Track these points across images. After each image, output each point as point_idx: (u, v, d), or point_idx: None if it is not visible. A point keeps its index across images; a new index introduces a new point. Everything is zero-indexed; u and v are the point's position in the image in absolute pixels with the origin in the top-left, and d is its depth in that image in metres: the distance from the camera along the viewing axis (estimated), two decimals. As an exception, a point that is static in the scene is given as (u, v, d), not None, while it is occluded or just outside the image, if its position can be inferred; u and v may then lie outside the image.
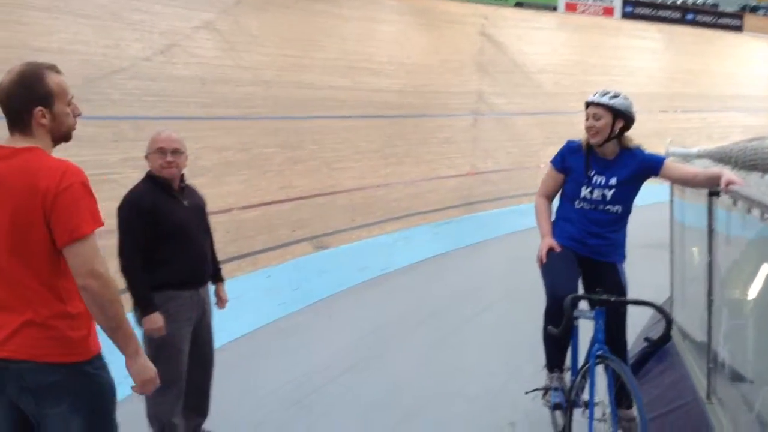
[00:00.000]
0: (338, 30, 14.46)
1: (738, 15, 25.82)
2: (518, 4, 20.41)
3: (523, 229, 6.95)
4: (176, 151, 3.49)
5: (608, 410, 3.03)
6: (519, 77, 16.94)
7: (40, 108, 2.18)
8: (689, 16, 23.94)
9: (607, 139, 3.34)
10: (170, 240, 3.44)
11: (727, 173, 3.00)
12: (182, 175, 3.59)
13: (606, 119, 3.31)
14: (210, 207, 8.23)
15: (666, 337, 2.76)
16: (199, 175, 8.57)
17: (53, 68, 2.25)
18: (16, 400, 2.21)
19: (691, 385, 3.54)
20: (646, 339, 2.81)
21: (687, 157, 4.94)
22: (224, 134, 9.69)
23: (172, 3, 11.33)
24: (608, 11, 22.32)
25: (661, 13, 23.32)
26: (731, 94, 21.76)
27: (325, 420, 4.16)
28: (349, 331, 5.90)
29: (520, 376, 3.66)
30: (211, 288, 3.82)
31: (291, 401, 4.40)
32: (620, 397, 3.10)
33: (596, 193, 3.34)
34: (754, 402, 2.74)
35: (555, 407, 3.29)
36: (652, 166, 3.31)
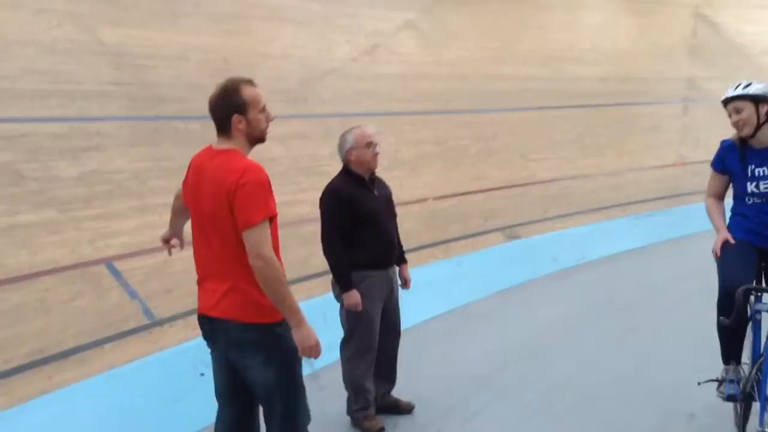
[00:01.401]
0: (539, 20, 14.32)
1: None
2: (740, -20, 18.68)
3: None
4: (376, 145, 3.97)
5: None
6: (738, 60, 15.55)
7: (237, 115, 2.68)
8: None
9: (757, 128, 3.28)
10: (364, 226, 3.90)
11: None
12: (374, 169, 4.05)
13: (749, 109, 3.29)
14: (407, 197, 8.83)
15: None
16: (397, 168, 9.13)
17: (249, 82, 2.75)
18: (225, 351, 2.75)
19: None
20: None
21: None
22: (421, 128, 10.16)
23: (376, 5, 12.02)
24: None
25: None
26: None
27: (506, 396, 4.40)
28: (536, 317, 6.06)
29: (707, 370, 3.60)
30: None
31: (475, 378, 4.69)
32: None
33: (762, 186, 3.28)
34: None
35: (729, 398, 3.26)
36: None
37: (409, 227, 7.71)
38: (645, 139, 12.47)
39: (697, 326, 4.92)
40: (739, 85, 3.37)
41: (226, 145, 2.70)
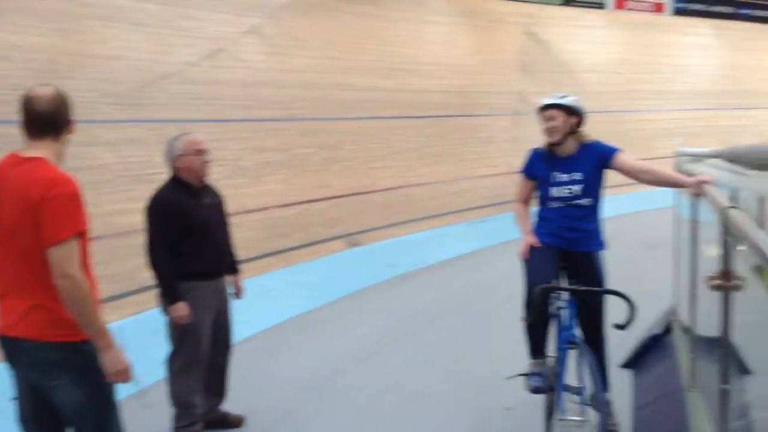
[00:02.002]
0: (383, 32, 14.72)
1: (797, 8, 24.99)
2: (565, 2, 20.29)
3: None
4: (205, 152, 3.85)
5: (588, 393, 3.24)
6: (563, 76, 16.88)
7: (70, 126, 2.58)
8: (744, 11, 23.30)
9: (565, 137, 3.58)
10: (194, 236, 3.78)
11: (698, 178, 3.18)
12: (203, 176, 3.93)
13: (561, 117, 3.59)
14: (249, 206, 8.70)
15: (628, 323, 2.95)
16: (239, 176, 9.00)
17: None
18: (28, 372, 2.58)
19: (677, 376, 3.70)
20: (615, 325, 3.01)
21: (698, 157, 5.03)
22: (265, 135, 10.09)
23: (220, 9, 11.79)
24: (658, 7, 21.93)
25: (714, 8, 22.78)
26: (787, 90, 21.12)
27: (337, 402, 4.46)
28: (373, 323, 6.20)
29: (527, 365, 3.87)
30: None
31: (309, 385, 4.72)
32: (603, 382, 3.31)
33: (564, 191, 3.57)
34: (731, 390, 2.90)
35: (534, 391, 3.52)
36: (605, 157, 3.55)
37: (250, 236, 7.62)
38: (480, 149, 13.16)
39: (518, 324, 5.29)
40: (556, 94, 3.68)
41: (36, 152, 2.52)
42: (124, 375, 2.55)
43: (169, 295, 3.76)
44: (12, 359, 2.62)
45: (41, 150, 2.53)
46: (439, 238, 9.47)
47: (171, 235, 3.74)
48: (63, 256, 2.40)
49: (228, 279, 4.10)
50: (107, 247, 6.34)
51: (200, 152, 3.83)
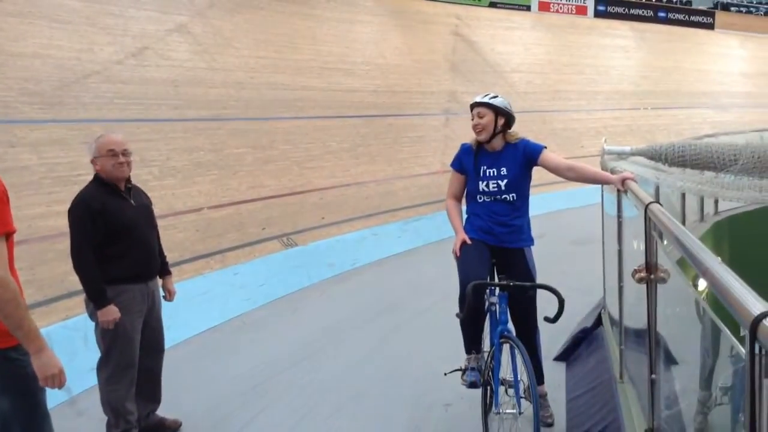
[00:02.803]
0: (312, 31, 14.67)
1: (710, 12, 26.30)
2: (492, 4, 20.71)
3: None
4: (126, 152, 3.74)
5: (523, 387, 3.34)
6: (492, 76, 17.24)
7: None
8: (661, 14, 24.36)
9: (493, 135, 3.69)
10: (120, 237, 3.69)
11: (622, 175, 3.32)
12: (128, 177, 3.84)
13: (489, 117, 3.69)
14: (180, 206, 8.51)
15: (557, 316, 3.04)
16: (169, 176, 8.79)
17: None
18: None
19: (608, 367, 3.84)
20: (546, 318, 3.11)
21: (622, 155, 5.24)
22: (195, 135, 9.88)
23: (145, 7, 11.49)
24: (581, 10, 22.68)
25: (634, 11, 23.71)
26: (702, 90, 22.20)
27: (278, 402, 4.44)
28: (311, 323, 6.18)
29: (462, 361, 3.93)
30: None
31: (247, 387, 4.67)
32: (537, 374, 3.41)
33: (492, 185, 3.68)
34: (658, 380, 3.03)
35: (470, 386, 3.59)
36: (531, 154, 3.66)
37: (182, 237, 7.46)
38: (412, 148, 13.28)
39: (455, 321, 5.39)
40: (487, 94, 3.77)
41: None
42: (58, 379, 2.45)
43: (95, 299, 3.64)
44: None
45: None
46: (374, 238, 9.51)
47: (95, 237, 3.63)
48: None
49: (159, 281, 4.03)
50: (31, 252, 6.10)
51: (115, 154, 3.71)
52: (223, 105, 10.93)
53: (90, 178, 3.85)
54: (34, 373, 2.45)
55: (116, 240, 3.68)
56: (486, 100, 3.71)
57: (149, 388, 3.98)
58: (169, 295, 4.09)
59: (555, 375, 4.42)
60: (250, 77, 12.00)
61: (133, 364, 3.78)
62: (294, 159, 10.92)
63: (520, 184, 3.70)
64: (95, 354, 3.84)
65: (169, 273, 4.11)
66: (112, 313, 3.63)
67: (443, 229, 9.64)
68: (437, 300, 6.58)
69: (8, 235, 2.40)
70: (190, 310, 5.94)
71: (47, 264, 5.98)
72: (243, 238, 8.41)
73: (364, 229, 9.83)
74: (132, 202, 3.82)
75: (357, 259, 8.54)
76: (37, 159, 7.57)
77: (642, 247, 2.84)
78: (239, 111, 11.07)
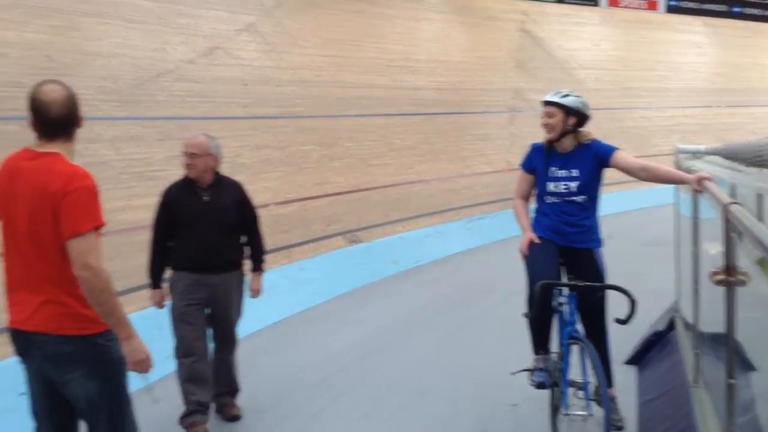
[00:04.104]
0: (377, 29, 14.72)
1: (789, 6, 25.12)
2: (559, 0, 20.34)
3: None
4: (192, 155, 3.97)
5: (592, 388, 3.28)
6: (559, 73, 16.93)
7: (77, 126, 2.60)
8: (736, 9, 23.41)
9: (562, 135, 3.61)
10: (181, 229, 3.98)
11: (698, 174, 3.22)
12: (216, 173, 4.05)
13: (558, 116, 3.61)
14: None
15: (629, 317, 2.98)
16: (238, 173, 8.96)
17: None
18: (39, 367, 2.60)
19: (681, 371, 3.74)
20: (617, 320, 3.05)
21: (696, 154, 5.09)
22: (263, 133, 10.08)
23: (215, 7, 11.77)
24: (652, 5, 22.01)
25: (707, 6, 22.87)
26: (781, 87, 21.25)
27: (344, 396, 4.50)
28: (375, 319, 6.24)
29: (529, 361, 3.90)
30: None
31: (313, 381, 4.75)
32: (606, 377, 3.35)
33: (562, 187, 3.61)
34: (736, 385, 2.94)
35: (538, 386, 3.56)
36: (603, 156, 3.57)
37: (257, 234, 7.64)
38: (476, 146, 13.19)
39: (521, 321, 5.35)
40: (559, 92, 3.67)
41: (50, 147, 2.54)
42: (146, 364, 2.59)
43: (150, 281, 4.03)
44: (25, 354, 2.64)
45: (53, 146, 2.55)
46: (438, 235, 9.51)
47: (161, 225, 4.00)
48: (83, 248, 2.43)
49: (235, 277, 4.16)
50: (110, 244, 6.33)
51: (184, 154, 3.99)
52: (290, 103, 11.10)
53: (165, 173, 4.15)
54: (120, 358, 2.57)
55: (178, 231, 3.98)
56: (555, 99, 3.63)
57: (223, 375, 4.16)
58: (252, 293, 4.25)
59: (625, 378, 4.33)
60: (316, 75, 12.14)
61: (189, 348, 3.96)
62: (359, 156, 11.01)
63: (591, 186, 3.63)
64: (170, 343, 4.02)
65: (258, 270, 4.25)
66: (156, 296, 4.01)
67: (508, 228, 9.56)
68: (502, 299, 6.54)
69: (98, 228, 2.51)
70: (257, 303, 6.02)
71: (124, 256, 6.20)
72: (308, 234, 8.55)
73: (427, 227, 9.84)
74: (205, 197, 4.00)
75: (421, 257, 8.55)
76: (115, 154, 7.87)
77: (719, 249, 2.76)
78: (305, 109, 11.23)
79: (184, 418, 3.93)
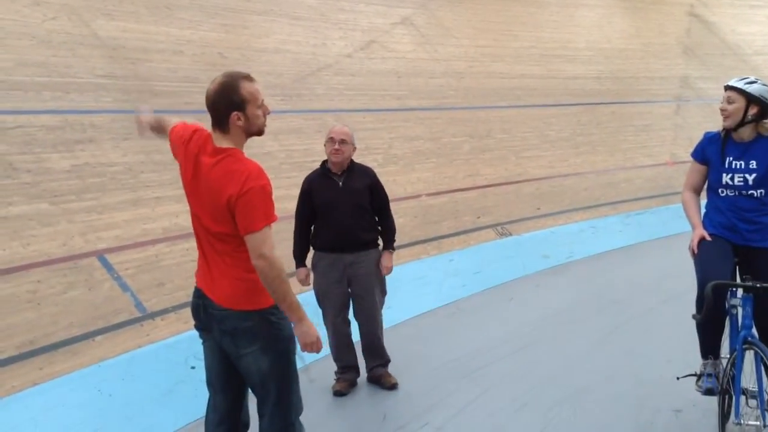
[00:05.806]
0: (533, 17, 14.35)
1: None
2: (735, -20, 18.74)
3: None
4: (343, 142, 4.30)
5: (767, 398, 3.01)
6: (732, 60, 15.62)
7: (236, 113, 2.68)
8: None
9: (740, 124, 3.34)
10: (320, 213, 4.36)
11: None
12: (351, 161, 4.39)
13: (739, 104, 3.33)
14: (401, 193, 8.93)
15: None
16: (391, 163, 9.16)
17: (248, 77, 2.75)
18: (219, 339, 2.77)
19: None
20: None
21: None
22: (416, 124, 10.18)
23: (373, 1, 12.03)
24: None
25: None
26: None
27: (496, 389, 4.46)
28: (526, 314, 6.11)
29: (693, 366, 3.65)
30: None
31: (464, 372, 4.75)
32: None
33: (737, 179, 3.34)
34: None
35: (706, 392, 3.33)
36: None
37: (402, 223, 7.71)
38: (638, 137, 12.52)
39: (685, 323, 4.99)
40: (744, 78, 3.41)
41: (224, 142, 2.69)
42: (316, 345, 2.75)
43: (295, 261, 4.48)
44: (205, 328, 2.84)
45: (226, 140, 2.70)
46: (592, 230, 9.14)
47: (303, 211, 4.44)
48: (258, 242, 2.59)
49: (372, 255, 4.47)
50: (273, 231, 6.70)
51: (332, 141, 4.31)
52: (442, 94, 11.12)
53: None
54: (291, 336, 2.73)
55: (318, 215, 4.36)
56: (738, 84, 3.36)
57: (370, 346, 4.50)
58: (383, 269, 4.49)
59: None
60: (469, 66, 12.07)
61: (333, 321, 4.40)
62: (511, 148, 10.82)
63: None
64: (322, 329, 4.31)
65: (387, 249, 4.52)
66: (301, 273, 4.45)
67: (670, 225, 9.03)
68: (663, 300, 6.17)
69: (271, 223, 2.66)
70: (407, 293, 6.16)
71: (285, 242, 6.52)
72: (458, 225, 8.54)
73: (581, 221, 9.50)
74: (340, 183, 4.34)
75: (573, 252, 8.26)
76: (278, 146, 8.29)
77: None
78: (458, 100, 11.20)
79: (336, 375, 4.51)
